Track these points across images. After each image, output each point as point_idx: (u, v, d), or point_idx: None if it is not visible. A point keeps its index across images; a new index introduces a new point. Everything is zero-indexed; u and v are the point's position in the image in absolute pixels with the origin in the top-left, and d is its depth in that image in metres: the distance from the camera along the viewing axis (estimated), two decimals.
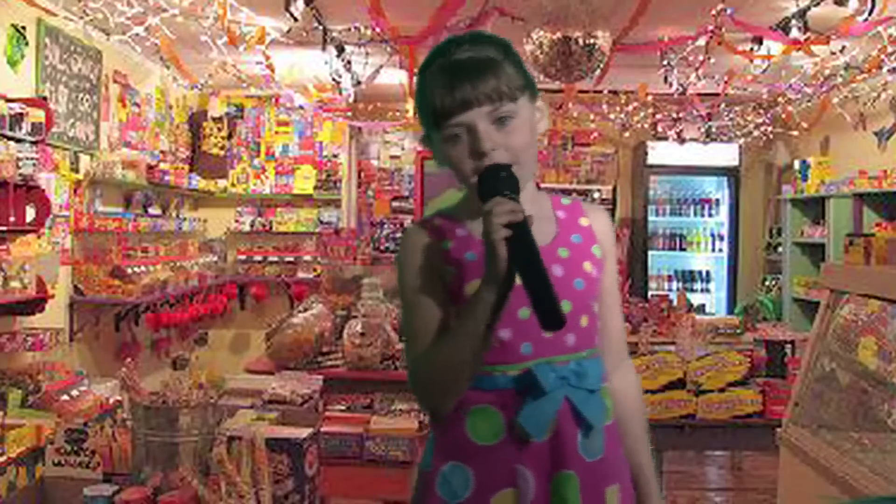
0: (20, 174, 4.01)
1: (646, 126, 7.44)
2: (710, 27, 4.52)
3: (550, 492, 1.36)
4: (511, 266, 1.25)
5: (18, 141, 4.07)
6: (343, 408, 3.27)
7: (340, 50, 5.16)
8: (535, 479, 1.35)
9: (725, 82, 5.64)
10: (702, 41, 4.74)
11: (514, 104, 1.36)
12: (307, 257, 7.31)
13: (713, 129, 7.51)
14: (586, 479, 1.38)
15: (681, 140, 7.49)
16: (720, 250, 8.13)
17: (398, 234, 8.06)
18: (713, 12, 4.31)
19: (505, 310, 1.31)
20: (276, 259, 7.43)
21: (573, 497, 1.35)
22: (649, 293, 7.07)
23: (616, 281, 1.55)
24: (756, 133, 7.39)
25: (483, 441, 1.38)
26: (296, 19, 4.27)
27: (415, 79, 1.43)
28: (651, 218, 7.97)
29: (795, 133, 6.86)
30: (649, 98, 6.51)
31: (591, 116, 7.17)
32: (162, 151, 6.51)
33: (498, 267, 1.26)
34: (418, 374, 1.41)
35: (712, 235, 8.16)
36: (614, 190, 7.97)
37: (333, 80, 5.45)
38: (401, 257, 1.45)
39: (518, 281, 1.27)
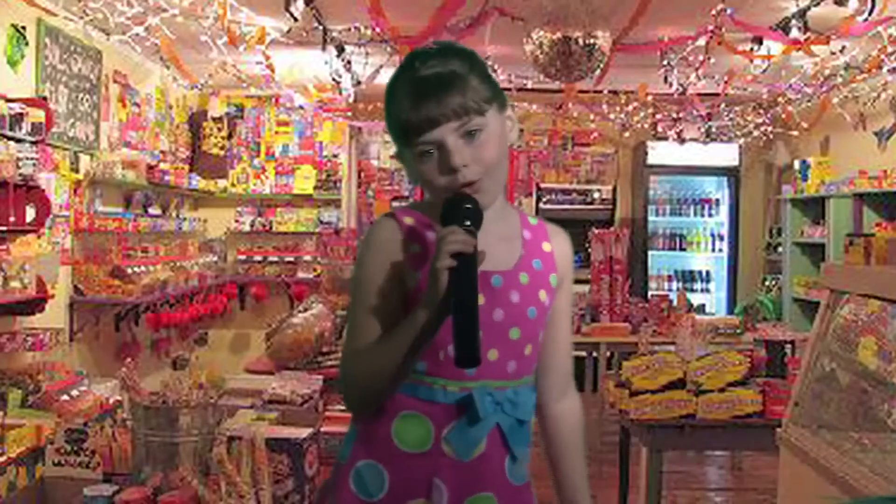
0: (20, 174, 4.01)
1: (646, 126, 7.44)
2: (710, 27, 4.52)
3: None
4: (448, 295, 1.26)
5: (18, 141, 4.07)
6: (343, 408, 3.26)
7: (340, 50, 5.16)
8: (450, 494, 1.36)
9: (725, 82, 5.64)
10: (702, 41, 4.74)
11: (483, 117, 1.35)
12: (307, 257, 7.31)
13: (713, 129, 7.51)
14: (508, 502, 1.40)
15: (681, 140, 7.49)
16: (720, 250, 8.13)
17: None
18: (713, 12, 4.31)
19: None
20: (276, 259, 7.44)
21: None
22: (649, 293, 7.07)
23: (570, 303, 1.56)
24: (756, 133, 7.39)
25: (406, 447, 1.38)
26: (296, 19, 4.27)
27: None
28: (651, 218, 7.96)
29: (795, 133, 6.86)
30: (649, 98, 6.51)
31: (591, 116, 7.17)
32: (162, 151, 6.51)
33: (436, 294, 1.26)
34: (343, 371, 1.41)
35: (712, 235, 8.16)
36: (614, 190, 7.97)
37: (333, 80, 5.45)
38: (364, 247, 1.42)
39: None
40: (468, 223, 1.28)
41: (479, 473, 1.38)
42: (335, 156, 7.61)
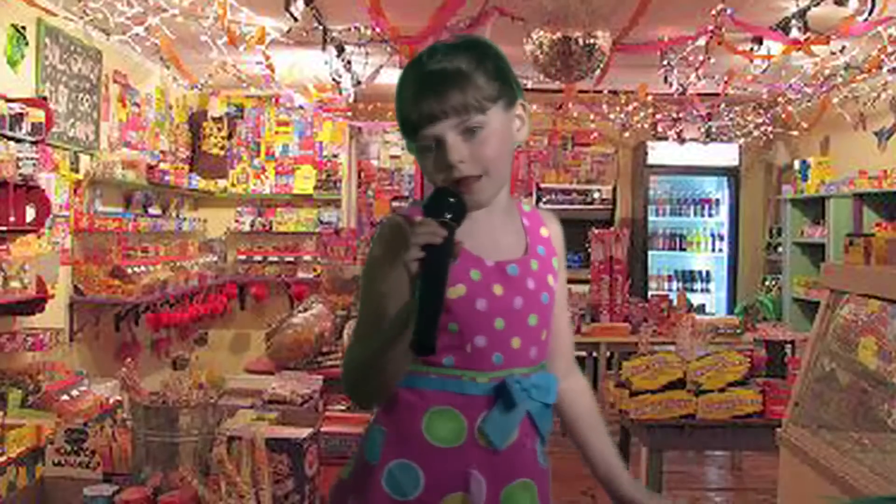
0: (20, 174, 4.01)
1: (646, 126, 7.44)
2: (710, 27, 4.52)
3: (502, 499, 1.38)
4: (415, 286, 1.27)
5: (18, 141, 4.07)
6: (343, 408, 3.26)
7: (340, 50, 5.16)
8: (488, 485, 1.37)
9: (725, 82, 5.64)
10: (702, 41, 4.74)
11: (484, 115, 1.36)
12: (307, 257, 7.31)
13: (713, 129, 7.51)
14: (543, 486, 1.43)
15: (681, 140, 7.49)
16: (720, 250, 8.13)
17: None
18: (713, 12, 4.31)
19: (482, 319, 1.36)
20: (276, 259, 7.44)
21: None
22: (649, 293, 7.07)
23: (564, 287, 1.57)
24: (756, 133, 7.39)
25: (439, 442, 1.38)
26: (296, 19, 4.27)
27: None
28: (651, 218, 7.96)
29: (795, 133, 6.86)
30: (649, 98, 6.51)
31: (591, 116, 7.17)
32: (162, 151, 6.51)
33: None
34: (343, 364, 1.44)
35: (712, 235, 8.16)
36: (614, 190, 7.97)
37: (333, 80, 5.45)
38: (376, 248, 1.43)
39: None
40: (448, 216, 1.28)
41: (514, 461, 1.40)
42: (335, 156, 7.61)
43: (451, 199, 1.31)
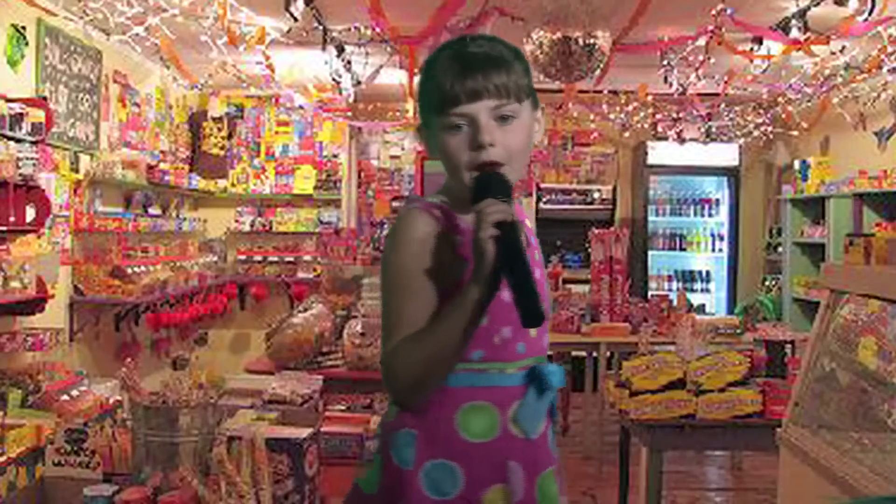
0: (20, 174, 4.01)
1: (646, 126, 7.44)
2: (710, 27, 4.52)
3: (537, 487, 1.40)
4: (497, 266, 1.28)
5: (18, 141, 4.07)
6: (343, 408, 3.26)
7: (340, 50, 5.16)
8: (524, 474, 1.39)
9: (725, 82, 5.64)
10: (702, 41, 4.74)
11: (519, 105, 1.38)
12: (307, 257, 7.32)
13: (713, 129, 7.51)
14: (559, 474, 1.46)
15: (681, 140, 7.49)
16: (720, 250, 8.13)
17: None
18: (713, 12, 4.31)
19: (507, 309, 1.33)
20: (276, 259, 7.44)
21: (554, 491, 1.42)
22: (649, 293, 7.07)
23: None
24: (756, 133, 7.39)
25: (475, 438, 1.37)
26: (296, 19, 4.27)
27: (419, 68, 1.45)
28: (651, 218, 7.96)
29: (795, 133, 6.86)
30: (649, 98, 6.51)
31: (591, 116, 7.17)
32: (162, 151, 6.51)
33: (485, 266, 1.28)
34: (394, 363, 1.37)
35: (712, 235, 8.16)
36: (614, 190, 7.97)
37: (333, 80, 5.45)
38: (400, 239, 1.39)
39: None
40: (499, 196, 1.31)
41: (541, 449, 1.42)
42: (335, 156, 7.61)
43: (500, 181, 1.34)
